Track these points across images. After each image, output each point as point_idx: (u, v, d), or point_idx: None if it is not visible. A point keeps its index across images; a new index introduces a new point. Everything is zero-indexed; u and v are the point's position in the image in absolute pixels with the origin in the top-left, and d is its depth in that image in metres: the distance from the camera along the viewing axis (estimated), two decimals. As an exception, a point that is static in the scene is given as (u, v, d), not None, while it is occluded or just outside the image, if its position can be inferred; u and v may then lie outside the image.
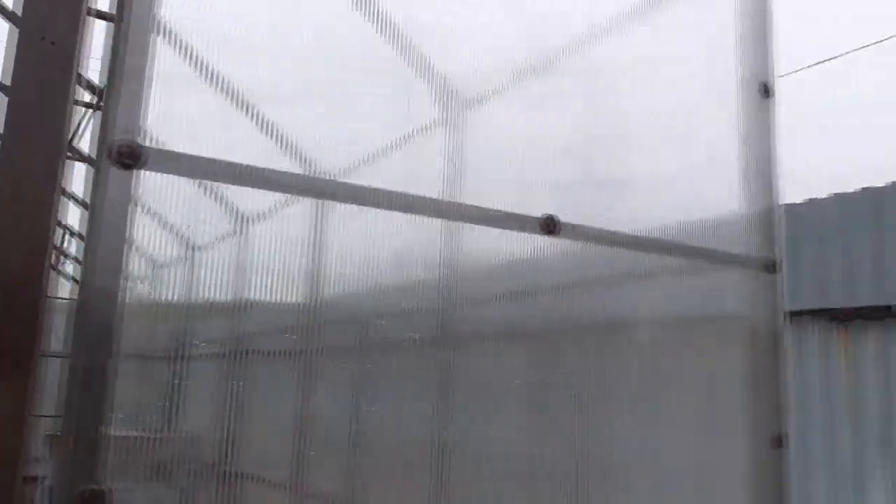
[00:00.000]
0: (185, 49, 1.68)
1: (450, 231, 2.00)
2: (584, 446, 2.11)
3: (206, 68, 1.70)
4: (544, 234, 1.91)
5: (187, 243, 1.70)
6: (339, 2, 1.94)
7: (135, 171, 1.58)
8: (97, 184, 1.55)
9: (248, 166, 1.71)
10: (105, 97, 1.60)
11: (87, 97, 6.80)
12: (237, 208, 1.74)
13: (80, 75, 6.74)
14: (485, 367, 2.10)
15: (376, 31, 1.96)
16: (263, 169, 1.74)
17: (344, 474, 1.91)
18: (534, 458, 2.08)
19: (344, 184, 1.85)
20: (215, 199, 1.71)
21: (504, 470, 2.04)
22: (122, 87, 1.60)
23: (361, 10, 1.95)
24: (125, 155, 1.57)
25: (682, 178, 2.19)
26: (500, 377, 2.08)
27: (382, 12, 1.96)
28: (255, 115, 1.76)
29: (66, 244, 10.46)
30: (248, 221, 1.74)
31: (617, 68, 2.19)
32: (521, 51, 2.18)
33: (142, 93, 1.61)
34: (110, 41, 1.62)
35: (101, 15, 4.48)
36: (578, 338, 2.14)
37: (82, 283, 1.55)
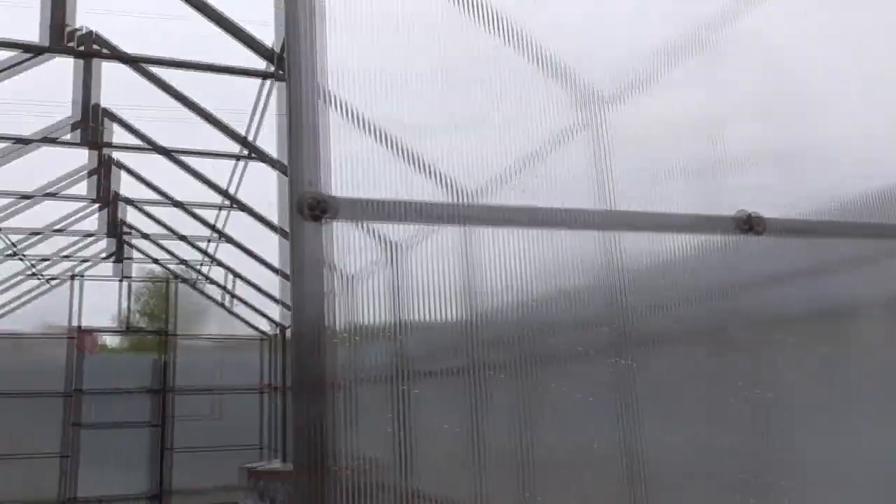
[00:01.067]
0: (348, 98, 1.70)
1: (614, 238, 1.90)
2: (797, 456, 1.94)
3: (369, 113, 1.71)
4: (742, 232, 1.77)
5: (373, 279, 1.70)
6: (478, 30, 1.90)
7: (324, 222, 1.61)
8: (293, 236, 1.59)
9: (422, 203, 1.70)
10: (289, 153, 1.63)
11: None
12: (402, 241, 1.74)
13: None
14: (671, 375, 1.97)
15: (516, 51, 1.91)
16: (434, 204, 1.72)
17: (530, 493, 1.85)
18: (742, 472, 1.93)
19: (517, 208, 1.81)
20: (378, 237, 1.71)
21: (701, 483, 1.91)
22: (301, 143, 1.63)
23: (501, 35, 1.91)
24: (314, 207, 1.60)
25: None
26: (693, 386, 1.95)
27: (514, 26, 1.90)
28: (412, 152, 1.75)
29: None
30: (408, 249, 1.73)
31: (796, 35, 2.02)
32: (665, 32, 2.06)
33: (318, 145, 1.64)
34: (284, 100, 1.66)
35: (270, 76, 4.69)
36: (782, 336, 1.98)
37: (294, 330, 1.58)
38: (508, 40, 1.92)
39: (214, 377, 15.16)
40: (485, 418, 1.76)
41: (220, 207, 9.19)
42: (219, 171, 8.48)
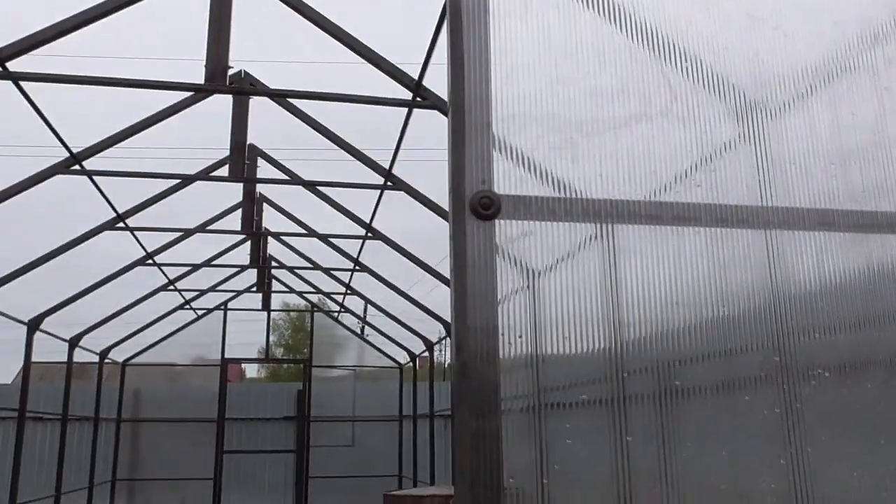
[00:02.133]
0: (515, 94, 1.65)
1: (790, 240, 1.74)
2: None
3: (536, 109, 1.66)
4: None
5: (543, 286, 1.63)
6: (634, 44, 1.81)
7: (496, 221, 1.56)
8: (461, 236, 1.55)
9: (592, 200, 1.62)
10: (454, 150, 1.60)
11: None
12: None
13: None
14: (846, 405, 1.77)
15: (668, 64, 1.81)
16: (602, 200, 1.64)
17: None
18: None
19: (696, 204, 1.70)
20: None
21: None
22: (469, 139, 1.60)
23: (654, 49, 1.81)
24: (484, 206, 1.56)
25: None
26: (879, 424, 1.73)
27: (670, 41, 1.80)
28: (575, 151, 1.68)
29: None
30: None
31: None
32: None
33: (487, 142, 1.60)
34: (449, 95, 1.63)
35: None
36: None
37: (458, 339, 1.53)
38: (668, 56, 1.82)
39: (351, 406, 15.51)
40: (639, 447, 1.64)
41: (363, 238, 9.44)
42: (362, 202, 8.75)
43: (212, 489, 13.97)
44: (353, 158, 7.37)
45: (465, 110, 1.62)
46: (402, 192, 7.53)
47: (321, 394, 15.27)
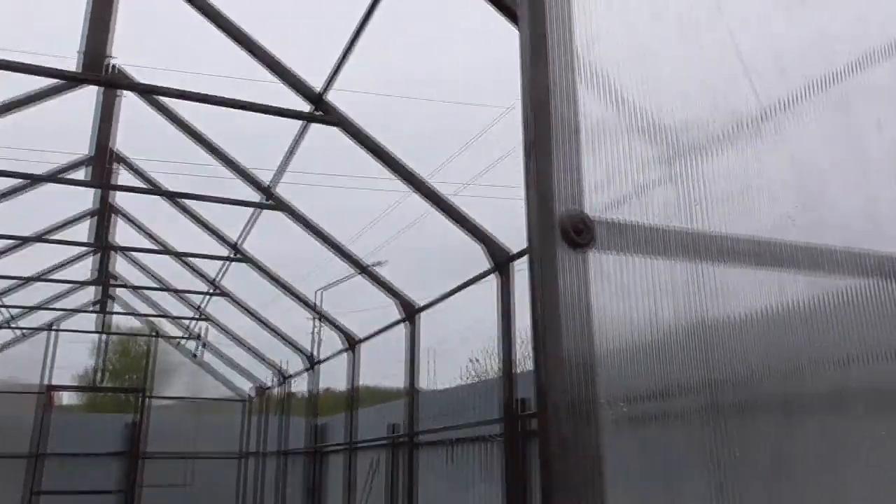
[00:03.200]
0: (601, 94, 1.34)
1: None
2: None
3: (623, 115, 1.35)
4: None
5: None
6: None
7: (590, 252, 1.22)
8: (548, 267, 1.19)
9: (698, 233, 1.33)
10: (539, 157, 1.26)
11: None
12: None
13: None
14: None
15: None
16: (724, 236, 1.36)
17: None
18: None
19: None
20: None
21: None
22: (556, 145, 1.25)
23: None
24: (577, 231, 1.22)
25: None
26: None
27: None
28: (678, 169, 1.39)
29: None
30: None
31: None
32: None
33: (576, 150, 1.27)
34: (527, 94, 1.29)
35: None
36: None
37: (544, 402, 1.18)
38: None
39: (188, 441, 14.34)
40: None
41: (227, 259, 8.73)
42: (234, 222, 8.09)
43: (20, 532, 12.36)
44: (232, 175, 6.76)
45: (550, 108, 1.28)
46: (281, 214, 6.99)
47: (156, 427, 14.03)
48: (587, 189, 1.28)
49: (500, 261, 5.22)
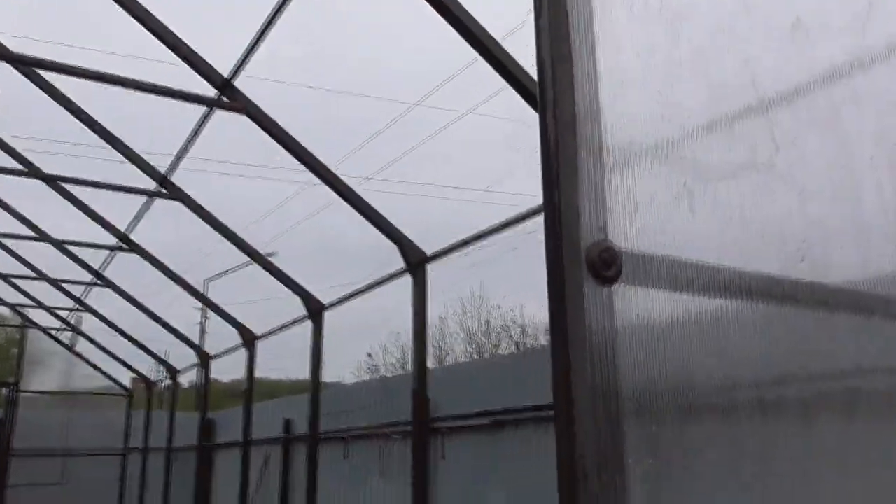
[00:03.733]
0: (624, 112, 1.22)
1: None
2: None
3: (646, 136, 1.24)
4: None
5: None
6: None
7: (617, 286, 1.10)
8: (574, 303, 1.06)
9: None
10: (563, 178, 1.13)
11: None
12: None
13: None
14: None
15: None
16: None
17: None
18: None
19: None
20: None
21: None
22: (582, 166, 1.12)
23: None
24: (605, 263, 1.09)
25: None
26: None
27: None
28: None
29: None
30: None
31: None
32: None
33: (601, 172, 1.15)
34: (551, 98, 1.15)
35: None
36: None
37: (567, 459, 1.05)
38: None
39: (65, 437, 13.46)
40: None
41: (113, 248, 8.17)
42: (125, 210, 7.56)
43: None
44: (124, 159, 6.28)
45: (576, 123, 1.15)
46: (177, 203, 6.58)
47: (28, 422, 13.08)
48: (614, 218, 1.16)
49: (414, 261, 5.09)
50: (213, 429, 11.30)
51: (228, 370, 14.13)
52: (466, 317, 20.49)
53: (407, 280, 5.23)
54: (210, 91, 5.06)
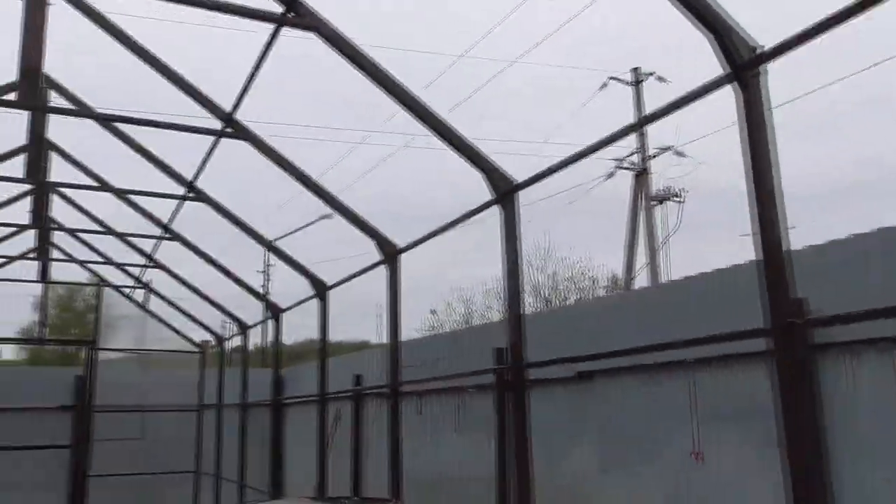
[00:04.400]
0: None
1: None
2: None
3: None
4: None
5: None
6: None
7: None
8: None
9: None
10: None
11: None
12: None
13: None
14: None
15: None
16: None
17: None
18: None
19: None
20: None
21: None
22: None
23: None
24: None
25: None
26: None
27: None
28: None
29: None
30: None
31: None
32: None
33: None
34: None
35: None
36: None
37: None
38: None
39: (140, 394, 13.54)
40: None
41: (180, 198, 7.89)
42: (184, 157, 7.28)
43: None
44: (185, 95, 5.90)
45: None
46: (245, 143, 6.19)
47: (106, 380, 13.18)
48: None
49: (505, 191, 4.59)
50: (282, 385, 11.13)
51: (290, 332, 13.94)
52: (533, 270, 19.94)
53: (464, 230, 4.77)
54: (277, 7, 4.59)
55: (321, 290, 7.66)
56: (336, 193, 6.34)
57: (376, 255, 6.32)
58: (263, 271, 38.27)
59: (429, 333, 20.58)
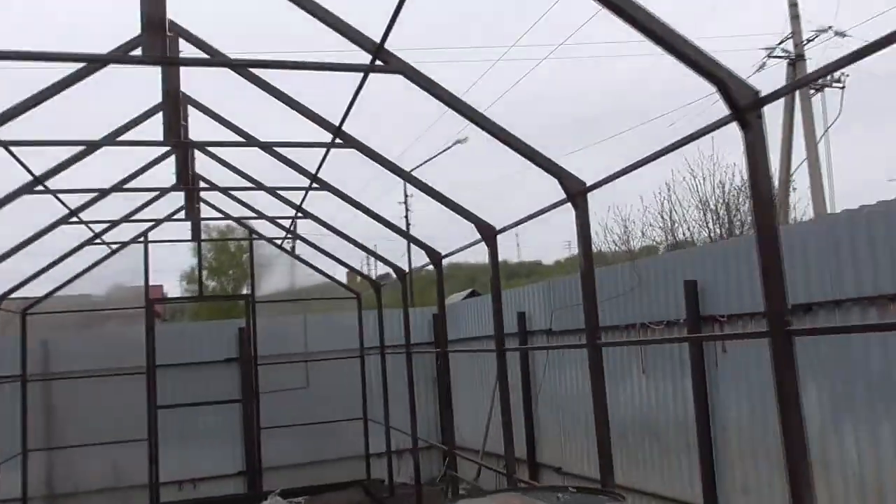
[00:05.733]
0: None
1: None
2: None
3: None
4: None
5: None
6: None
7: None
8: None
9: None
10: None
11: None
12: None
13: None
14: None
15: None
16: None
17: None
18: None
19: None
20: None
21: None
22: None
23: None
24: None
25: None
26: None
27: None
28: None
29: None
30: None
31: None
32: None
33: None
34: None
35: None
36: None
37: None
38: None
39: (301, 343, 13.47)
40: None
41: (327, 146, 7.21)
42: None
43: (147, 450, 11.93)
44: (332, 31, 5.06)
45: None
46: (399, 77, 5.31)
47: (266, 331, 13.18)
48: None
49: (746, 105, 3.49)
50: (436, 325, 10.59)
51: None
52: (697, 181, 18.28)
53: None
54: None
55: (489, 234, 6.82)
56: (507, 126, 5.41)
57: (553, 195, 5.38)
58: (405, 217, 38.16)
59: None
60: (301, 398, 12.93)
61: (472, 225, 6.90)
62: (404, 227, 9.41)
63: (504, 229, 6.75)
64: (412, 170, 8.12)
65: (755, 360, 6.62)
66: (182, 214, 11.21)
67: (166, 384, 12.33)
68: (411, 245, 9.26)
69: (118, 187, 8.85)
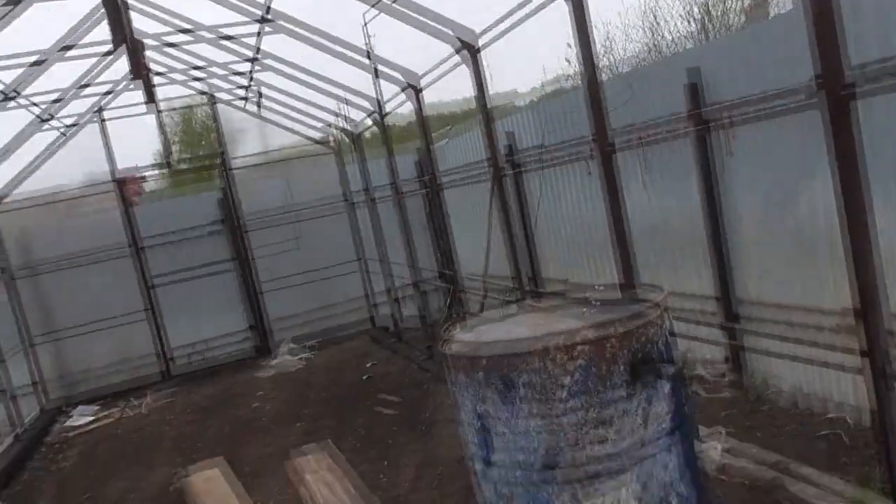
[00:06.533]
0: None
1: None
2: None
3: None
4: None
5: None
6: None
7: None
8: None
9: None
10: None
11: None
12: None
13: None
14: None
15: None
16: None
17: None
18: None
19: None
20: None
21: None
22: None
23: None
24: None
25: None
26: None
27: None
28: None
29: None
30: None
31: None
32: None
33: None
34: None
35: None
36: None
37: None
38: None
39: (285, 199, 13.01)
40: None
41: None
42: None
43: (150, 323, 11.98)
44: None
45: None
46: None
47: (246, 194, 12.78)
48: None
49: None
50: (427, 163, 10.10)
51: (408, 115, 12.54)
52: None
53: None
54: None
55: (471, 45, 6.18)
56: None
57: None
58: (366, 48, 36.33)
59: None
60: (295, 258, 12.77)
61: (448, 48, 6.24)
62: (367, 61, 8.73)
63: (484, 45, 6.10)
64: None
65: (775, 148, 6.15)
66: (133, 88, 10.34)
67: (158, 260, 12.24)
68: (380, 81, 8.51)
69: (52, 53, 7.98)
